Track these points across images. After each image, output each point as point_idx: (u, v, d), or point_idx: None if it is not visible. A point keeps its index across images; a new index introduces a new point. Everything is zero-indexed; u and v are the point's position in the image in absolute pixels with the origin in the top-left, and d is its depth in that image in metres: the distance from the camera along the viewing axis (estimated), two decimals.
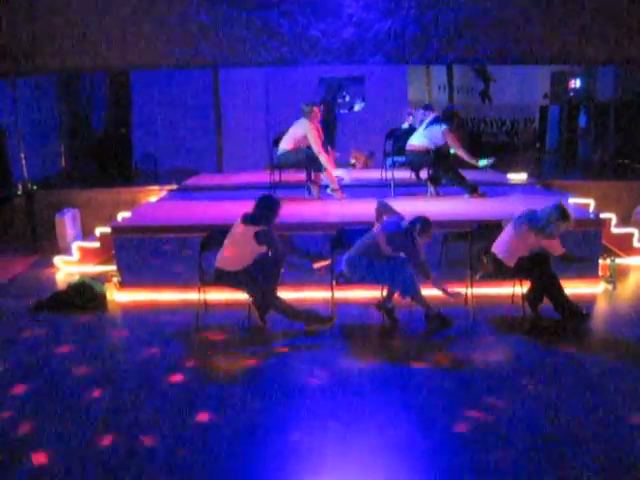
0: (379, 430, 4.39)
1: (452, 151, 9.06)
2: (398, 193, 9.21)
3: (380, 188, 9.80)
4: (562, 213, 6.05)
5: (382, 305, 6.48)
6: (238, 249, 6.10)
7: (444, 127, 8.79)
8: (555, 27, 9.49)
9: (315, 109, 8.73)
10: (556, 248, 6.25)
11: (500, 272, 6.35)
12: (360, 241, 6.22)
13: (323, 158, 8.63)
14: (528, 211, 6.28)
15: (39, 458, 4.06)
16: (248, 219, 6.04)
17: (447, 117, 9.07)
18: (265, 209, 6.06)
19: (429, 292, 6.61)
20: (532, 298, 6.45)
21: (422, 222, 6.02)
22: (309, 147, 8.72)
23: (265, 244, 6.00)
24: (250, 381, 5.29)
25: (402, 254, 6.17)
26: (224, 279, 6.19)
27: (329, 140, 12.94)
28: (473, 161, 8.86)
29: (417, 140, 9.02)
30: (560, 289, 6.35)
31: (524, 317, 6.33)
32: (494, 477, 3.80)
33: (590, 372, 5.30)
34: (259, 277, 6.09)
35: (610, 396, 4.83)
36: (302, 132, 8.65)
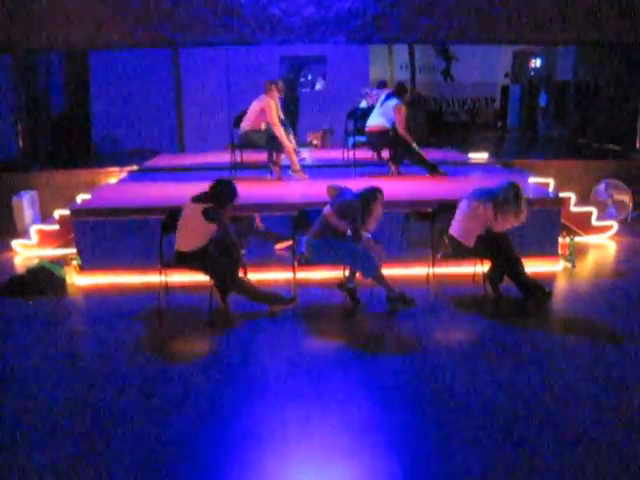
0: (341, 410, 4.42)
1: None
2: (360, 173, 9.21)
3: (342, 168, 9.81)
4: (516, 192, 6.12)
5: (344, 285, 6.49)
6: (190, 229, 6.05)
7: (396, 102, 8.82)
8: (517, 7, 9.51)
9: (273, 86, 8.72)
10: (505, 226, 6.27)
11: (460, 252, 6.39)
12: (316, 222, 6.22)
13: (278, 131, 8.63)
14: (480, 189, 6.33)
15: None
16: (197, 198, 6.02)
17: (398, 92, 9.07)
18: (217, 191, 6.03)
19: (393, 272, 6.67)
20: (492, 277, 6.51)
21: (376, 190, 6.15)
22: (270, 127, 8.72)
23: (213, 222, 5.92)
24: (212, 363, 5.27)
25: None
26: (183, 260, 6.14)
27: (290, 119, 12.94)
28: (412, 143, 8.90)
29: (374, 120, 9.04)
30: (520, 267, 6.40)
31: (485, 296, 6.39)
32: (455, 454, 3.84)
33: (547, 349, 5.38)
34: (217, 258, 6.06)
35: (566, 372, 4.92)
36: (259, 106, 8.64)
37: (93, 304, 6.86)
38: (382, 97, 9.18)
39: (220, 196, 6.01)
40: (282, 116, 8.94)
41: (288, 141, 8.78)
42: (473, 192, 6.34)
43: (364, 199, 6.05)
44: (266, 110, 8.59)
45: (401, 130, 8.79)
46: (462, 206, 6.34)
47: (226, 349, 5.54)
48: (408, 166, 9.20)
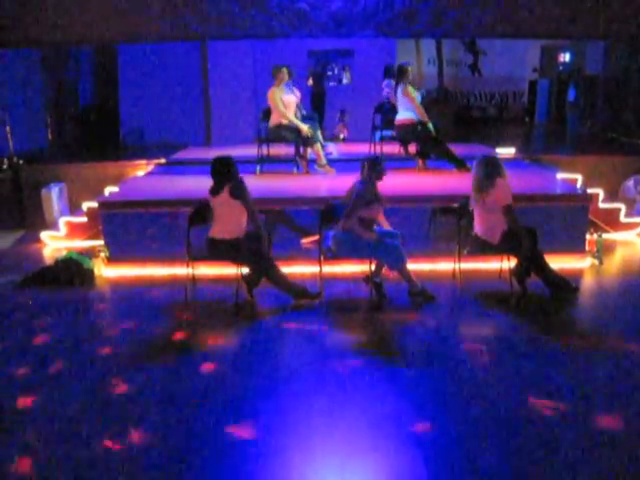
0: (365, 404, 4.42)
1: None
2: (387, 167, 9.16)
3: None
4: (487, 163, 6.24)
5: (370, 279, 6.47)
6: (226, 218, 6.10)
7: (401, 86, 8.81)
8: (545, 1, 9.43)
9: (279, 73, 8.82)
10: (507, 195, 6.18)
11: (486, 250, 6.36)
12: (342, 216, 6.22)
13: (285, 118, 8.77)
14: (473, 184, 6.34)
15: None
16: (215, 189, 6.09)
17: (399, 77, 9.05)
18: (220, 170, 6.10)
19: (419, 267, 6.66)
20: (519, 273, 6.46)
21: (370, 159, 6.27)
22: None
23: (240, 198, 6.00)
24: (237, 355, 5.30)
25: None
26: (217, 250, 6.17)
27: (317, 113, 12.94)
28: (426, 119, 8.88)
29: (401, 114, 9.01)
30: (545, 263, 6.36)
31: (512, 292, 6.34)
32: (478, 450, 3.83)
33: (573, 346, 5.33)
34: (252, 245, 6.13)
35: (593, 370, 4.88)
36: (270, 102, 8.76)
37: (120, 295, 6.92)
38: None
39: (224, 170, 6.09)
40: (295, 106, 8.99)
41: (306, 128, 8.79)
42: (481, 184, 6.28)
43: (369, 174, 6.19)
44: (269, 101, 8.66)
45: (418, 111, 8.80)
46: (477, 207, 6.28)
47: (251, 342, 5.55)
48: (435, 161, 9.17)
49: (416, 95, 8.91)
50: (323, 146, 9.31)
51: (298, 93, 9.39)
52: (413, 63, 16.31)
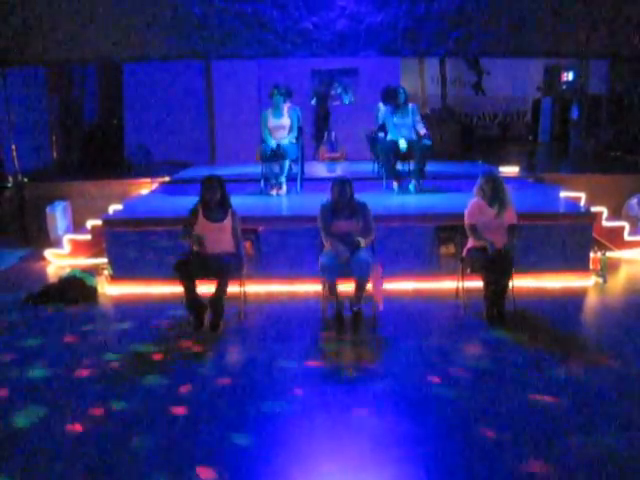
0: (367, 422, 4.39)
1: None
2: (389, 186, 9.16)
3: (372, 181, 9.79)
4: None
5: (350, 306, 6.34)
6: (219, 237, 6.25)
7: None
8: (548, 20, 9.47)
9: (270, 93, 9.03)
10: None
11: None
12: None
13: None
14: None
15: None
16: (217, 216, 6.25)
17: (384, 100, 9.20)
18: (224, 194, 6.30)
19: (422, 285, 6.66)
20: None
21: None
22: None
23: (236, 220, 6.24)
24: (237, 373, 5.28)
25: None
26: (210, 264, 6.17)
27: (321, 132, 12.97)
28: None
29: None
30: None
31: (515, 311, 6.33)
32: (480, 470, 3.81)
33: (577, 366, 5.31)
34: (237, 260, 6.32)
35: (596, 390, 4.86)
36: None
37: (123, 313, 6.91)
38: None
39: (226, 196, 6.36)
40: (282, 130, 9.02)
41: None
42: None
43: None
44: None
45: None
46: (489, 221, 6.30)
47: (251, 359, 5.54)
48: (434, 180, 9.14)
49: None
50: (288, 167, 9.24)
51: (286, 119, 9.22)
52: (417, 82, 16.45)
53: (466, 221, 6.37)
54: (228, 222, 6.22)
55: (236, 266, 6.27)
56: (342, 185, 6.18)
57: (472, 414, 4.49)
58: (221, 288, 6.12)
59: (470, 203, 6.41)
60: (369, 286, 6.21)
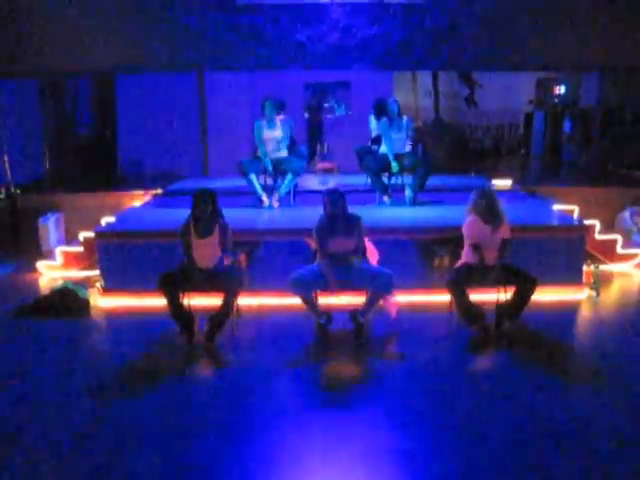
0: (362, 436, 4.38)
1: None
2: (381, 199, 9.16)
3: (365, 194, 9.78)
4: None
5: (356, 316, 6.28)
6: (210, 250, 6.21)
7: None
8: (540, 34, 9.52)
9: (262, 106, 8.97)
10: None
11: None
12: None
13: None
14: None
15: None
16: (205, 230, 6.17)
17: (380, 111, 9.29)
18: (215, 208, 6.24)
19: (415, 298, 6.65)
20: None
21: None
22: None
23: (227, 232, 6.19)
24: (230, 387, 5.25)
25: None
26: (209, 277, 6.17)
27: (315, 144, 12.97)
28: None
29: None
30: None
31: (508, 323, 6.33)
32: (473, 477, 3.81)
33: (570, 378, 5.32)
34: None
35: (589, 402, 4.85)
36: None
37: (115, 326, 6.90)
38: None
39: (217, 210, 6.32)
40: (274, 142, 8.97)
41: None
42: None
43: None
44: None
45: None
46: (486, 237, 6.28)
47: (245, 373, 5.52)
48: (427, 192, 9.13)
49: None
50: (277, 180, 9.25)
51: (279, 132, 9.20)
52: (409, 95, 16.49)
53: (468, 242, 6.30)
54: (216, 235, 6.16)
55: (241, 280, 6.29)
56: (334, 195, 6.13)
57: (464, 426, 4.48)
58: (228, 305, 6.09)
59: (468, 222, 6.33)
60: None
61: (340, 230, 6.10)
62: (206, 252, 6.14)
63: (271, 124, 8.90)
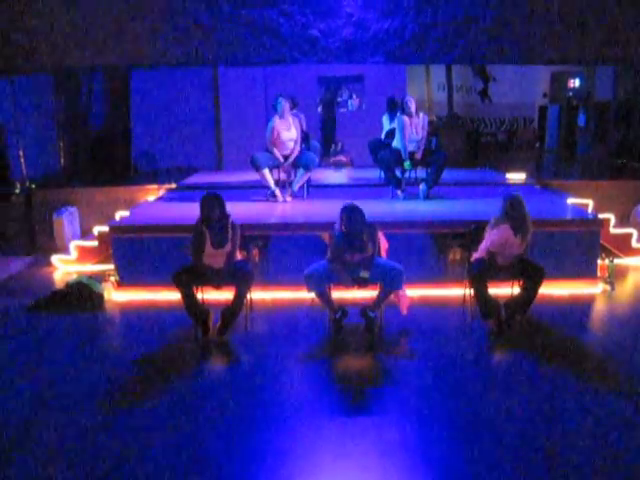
0: (374, 430, 4.38)
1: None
2: (394, 193, 9.14)
3: (379, 188, 9.78)
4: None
5: (365, 311, 6.26)
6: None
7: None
8: (555, 27, 9.45)
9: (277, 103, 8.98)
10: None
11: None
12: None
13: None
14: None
15: None
16: (219, 241, 6.18)
17: (394, 108, 9.49)
18: (225, 216, 6.23)
19: (429, 292, 6.64)
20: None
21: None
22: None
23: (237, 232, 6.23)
24: (243, 381, 5.27)
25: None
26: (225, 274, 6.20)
27: (328, 138, 12.97)
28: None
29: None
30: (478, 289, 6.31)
31: (522, 318, 6.31)
32: (487, 477, 3.79)
33: (585, 375, 5.30)
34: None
35: (604, 398, 4.84)
36: None
37: (129, 320, 6.93)
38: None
39: (222, 207, 6.28)
40: (289, 141, 8.95)
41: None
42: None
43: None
44: None
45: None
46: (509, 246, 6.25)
47: (257, 369, 5.53)
48: (441, 186, 9.11)
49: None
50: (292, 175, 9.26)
51: (294, 131, 9.15)
52: (423, 89, 16.46)
53: (489, 248, 6.19)
54: (229, 244, 6.19)
55: (252, 274, 6.32)
56: (352, 213, 5.96)
57: (479, 422, 4.48)
58: (239, 299, 6.12)
59: (498, 230, 6.13)
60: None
61: (356, 247, 6.00)
62: (219, 259, 6.15)
63: (284, 124, 8.85)
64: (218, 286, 6.27)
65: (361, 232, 5.99)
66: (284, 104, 8.83)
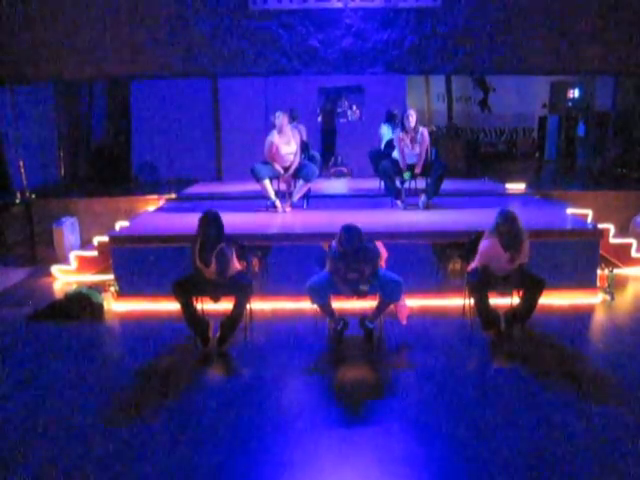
0: (374, 442, 4.38)
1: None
2: (394, 203, 9.15)
3: (378, 198, 9.79)
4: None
5: (363, 322, 6.32)
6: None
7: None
8: (554, 37, 9.49)
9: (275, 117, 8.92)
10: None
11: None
12: None
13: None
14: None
15: None
16: (208, 259, 6.12)
17: (393, 120, 9.34)
18: (215, 229, 6.17)
19: (429, 302, 6.63)
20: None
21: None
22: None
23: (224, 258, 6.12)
24: (243, 393, 5.25)
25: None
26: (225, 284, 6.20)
27: (328, 149, 12.99)
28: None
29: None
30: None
31: (522, 328, 6.31)
32: None
33: (586, 385, 5.28)
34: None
35: (605, 410, 4.83)
36: None
37: (129, 330, 6.92)
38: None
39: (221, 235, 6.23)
40: (288, 155, 8.93)
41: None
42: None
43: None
44: None
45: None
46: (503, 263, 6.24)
47: (258, 379, 5.52)
48: (440, 197, 9.11)
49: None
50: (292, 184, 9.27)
51: (293, 145, 9.15)
52: (423, 99, 16.49)
53: (479, 262, 6.23)
54: (213, 266, 6.12)
55: (251, 285, 6.31)
56: (350, 234, 5.87)
57: (479, 433, 4.47)
58: (239, 310, 6.12)
59: (486, 245, 6.19)
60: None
61: (352, 267, 5.93)
62: (210, 274, 6.14)
63: (284, 138, 8.83)
64: (216, 298, 6.27)
65: (357, 253, 5.90)
66: (282, 119, 8.79)
